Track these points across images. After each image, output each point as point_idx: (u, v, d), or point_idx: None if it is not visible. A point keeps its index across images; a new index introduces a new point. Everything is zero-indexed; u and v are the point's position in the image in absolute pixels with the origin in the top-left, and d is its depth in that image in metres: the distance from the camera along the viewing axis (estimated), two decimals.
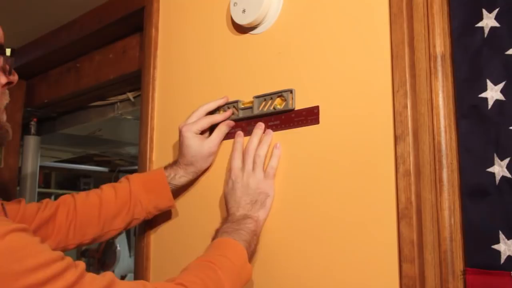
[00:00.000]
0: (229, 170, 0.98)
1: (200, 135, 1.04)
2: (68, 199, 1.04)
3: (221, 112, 1.07)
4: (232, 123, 1.05)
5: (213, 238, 0.90)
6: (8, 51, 0.79)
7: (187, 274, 0.78)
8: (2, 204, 0.83)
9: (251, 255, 0.90)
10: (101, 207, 1.02)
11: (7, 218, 0.69)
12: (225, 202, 0.97)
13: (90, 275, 0.65)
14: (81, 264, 0.65)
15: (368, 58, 0.86)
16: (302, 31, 0.96)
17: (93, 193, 1.05)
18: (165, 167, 1.07)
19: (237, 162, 0.97)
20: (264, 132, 0.99)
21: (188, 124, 1.04)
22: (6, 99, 0.82)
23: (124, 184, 1.05)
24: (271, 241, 0.95)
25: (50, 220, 1.00)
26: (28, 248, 0.61)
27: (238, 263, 0.84)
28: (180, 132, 1.04)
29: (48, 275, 0.60)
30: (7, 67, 0.80)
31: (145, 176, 1.09)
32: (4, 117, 0.81)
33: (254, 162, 0.96)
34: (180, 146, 1.05)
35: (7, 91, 0.82)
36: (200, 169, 1.06)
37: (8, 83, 0.82)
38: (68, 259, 0.64)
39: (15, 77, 0.82)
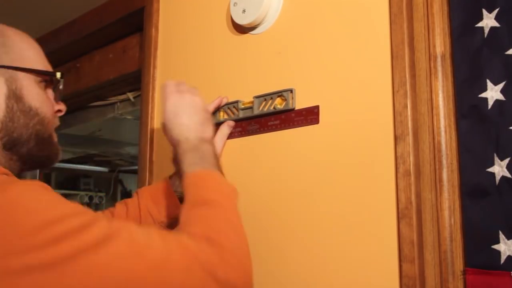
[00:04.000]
0: (164, 98, 0.92)
1: None
2: None
3: (222, 112, 1.07)
4: (232, 123, 1.05)
5: (180, 171, 0.86)
6: (58, 75, 0.88)
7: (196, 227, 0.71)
8: None
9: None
10: None
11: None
12: (168, 132, 0.91)
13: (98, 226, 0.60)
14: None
15: (368, 58, 0.86)
16: (302, 31, 0.96)
17: (107, 212, 1.07)
18: (170, 176, 1.07)
19: (172, 84, 0.93)
20: None
21: None
22: (56, 123, 0.88)
23: (134, 199, 1.06)
24: (271, 240, 0.95)
25: None
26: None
27: (227, 190, 0.80)
28: None
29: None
30: (57, 95, 0.88)
31: (152, 188, 1.09)
32: (56, 137, 0.87)
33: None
34: None
35: (57, 117, 0.89)
36: None
37: (59, 111, 0.89)
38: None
39: (63, 106, 0.89)
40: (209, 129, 0.92)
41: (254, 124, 1.01)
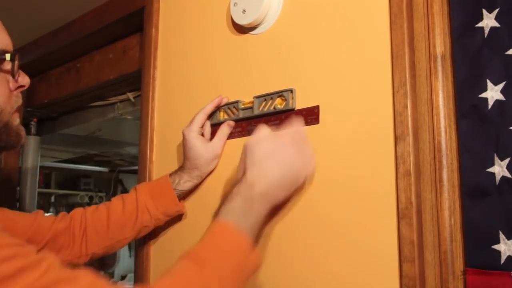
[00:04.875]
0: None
1: (202, 137, 1.05)
2: (79, 211, 1.07)
3: (222, 112, 1.07)
4: (233, 123, 1.05)
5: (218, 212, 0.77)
6: (7, 56, 0.80)
7: (165, 280, 0.67)
8: None
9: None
10: (109, 218, 1.04)
11: None
12: (243, 162, 0.83)
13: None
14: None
15: (368, 58, 0.86)
16: (302, 31, 0.96)
17: (102, 205, 1.07)
18: (170, 174, 1.07)
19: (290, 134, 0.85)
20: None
21: (188, 126, 1.04)
22: (17, 102, 0.83)
23: (132, 194, 1.07)
24: (270, 240, 0.95)
25: (66, 231, 1.03)
26: None
27: (235, 255, 0.72)
28: (183, 135, 1.04)
29: None
30: (12, 71, 0.81)
31: (151, 184, 1.10)
32: (17, 120, 0.83)
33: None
34: (184, 149, 1.05)
35: (19, 94, 0.84)
36: (205, 172, 1.06)
37: (20, 87, 0.84)
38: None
39: (24, 79, 0.84)
40: (283, 196, 0.81)
41: (254, 124, 1.01)
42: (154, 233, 1.19)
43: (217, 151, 1.04)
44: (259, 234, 0.78)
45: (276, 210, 0.84)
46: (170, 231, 1.15)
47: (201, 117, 1.05)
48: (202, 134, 1.07)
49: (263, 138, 0.83)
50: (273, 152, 0.80)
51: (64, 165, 4.67)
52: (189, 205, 1.11)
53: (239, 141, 1.04)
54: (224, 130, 1.05)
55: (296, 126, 0.87)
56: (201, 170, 1.05)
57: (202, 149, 1.03)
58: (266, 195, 0.78)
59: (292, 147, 0.82)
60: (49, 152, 3.60)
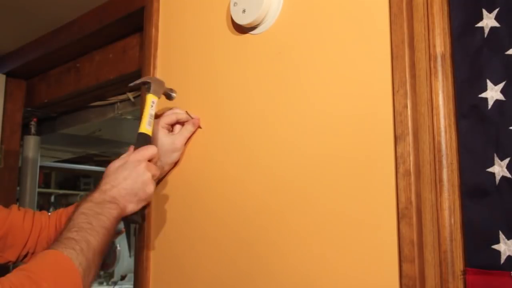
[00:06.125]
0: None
1: (166, 131, 1.10)
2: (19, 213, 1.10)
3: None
4: (197, 122, 1.09)
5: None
6: None
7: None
8: None
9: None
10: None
11: None
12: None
13: None
14: None
15: (368, 58, 0.86)
16: (302, 31, 0.96)
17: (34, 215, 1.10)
18: None
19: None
20: None
21: (157, 119, 1.10)
22: None
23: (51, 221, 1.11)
24: (270, 240, 0.95)
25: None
26: None
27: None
28: None
29: None
30: None
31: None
32: None
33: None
34: None
35: None
36: (166, 162, 1.10)
37: None
38: None
39: None
40: (132, 204, 0.97)
41: None
42: (154, 233, 1.19)
43: (177, 145, 1.09)
44: (110, 234, 0.92)
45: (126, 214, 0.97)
46: (170, 231, 1.15)
47: (172, 117, 1.11)
48: (172, 130, 1.12)
49: (120, 157, 1.01)
50: (124, 167, 0.97)
51: (64, 165, 4.67)
52: (188, 206, 1.11)
53: (238, 139, 1.04)
54: (188, 127, 1.10)
55: (144, 150, 1.00)
56: (162, 160, 1.09)
57: (163, 141, 1.08)
58: (116, 199, 0.94)
59: (141, 164, 0.97)
60: (49, 152, 3.60)
